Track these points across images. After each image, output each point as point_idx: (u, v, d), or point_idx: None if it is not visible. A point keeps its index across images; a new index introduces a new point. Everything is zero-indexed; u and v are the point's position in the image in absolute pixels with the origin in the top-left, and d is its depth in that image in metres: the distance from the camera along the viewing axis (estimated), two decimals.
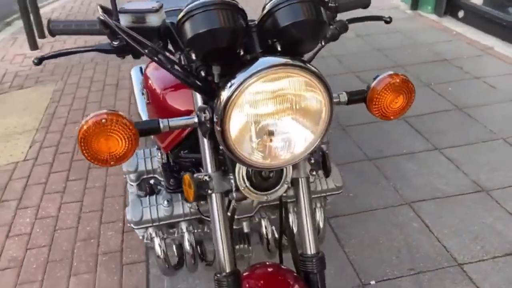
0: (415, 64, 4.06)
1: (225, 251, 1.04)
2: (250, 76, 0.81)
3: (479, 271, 2.00)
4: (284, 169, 1.02)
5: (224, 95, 0.82)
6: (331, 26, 1.06)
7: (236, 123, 0.84)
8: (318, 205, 1.48)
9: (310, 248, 1.09)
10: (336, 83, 3.75)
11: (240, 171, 0.99)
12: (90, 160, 0.87)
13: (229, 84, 0.82)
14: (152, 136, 1.38)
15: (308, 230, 1.08)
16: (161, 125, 0.91)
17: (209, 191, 1.01)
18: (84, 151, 0.86)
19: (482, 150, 2.82)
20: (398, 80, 1.01)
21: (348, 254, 2.13)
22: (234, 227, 1.48)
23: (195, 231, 1.43)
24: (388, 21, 1.19)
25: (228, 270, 1.03)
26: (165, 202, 1.31)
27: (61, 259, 2.18)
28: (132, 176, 1.41)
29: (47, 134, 3.26)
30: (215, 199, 1.03)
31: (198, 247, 1.48)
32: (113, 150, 0.87)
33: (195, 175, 1.02)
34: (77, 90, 3.92)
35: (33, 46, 4.79)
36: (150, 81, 1.34)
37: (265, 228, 1.44)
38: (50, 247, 2.25)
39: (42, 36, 5.00)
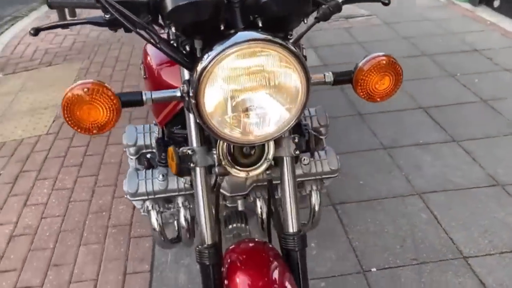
0: (443, 53, 3.95)
1: (207, 224, 1.07)
2: (226, 49, 0.82)
3: (484, 265, 1.96)
4: (266, 147, 1.03)
5: (199, 67, 0.83)
6: (323, 6, 1.05)
7: (211, 97, 0.86)
8: (314, 187, 1.48)
9: (292, 227, 1.10)
10: None
11: (222, 146, 1.01)
12: (73, 127, 0.91)
13: (205, 56, 0.83)
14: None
15: (290, 209, 1.09)
16: (144, 98, 0.94)
17: (192, 165, 1.03)
18: (67, 118, 0.89)
19: (502, 144, 2.74)
20: (384, 61, 1.00)
21: (351, 241, 2.12)
22: (229, 205, 1.51)
23: (191, 206, 1.46)
24: (386, 3, 1.17)
25: (209, 243, 1.06)
26: (161, 176, 1.34)
27: (72, 229, 2.26)
28: (132, 150, 1.45)
29: None
30: (198, 173, 1.05)
31: (194, 222, 1.51)
32: (95, 119, 0.90)
33: (180, 149, 1.04)
34: (102, 69, 4.01)
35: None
36: (148, 57, 1.37)
37: (260, 208, 1.45)
38: (64, 217, 2.34)
39: (73, 15, 5.12)
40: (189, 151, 1.03)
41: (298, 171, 1.39)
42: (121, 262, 2.06)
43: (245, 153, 1.02)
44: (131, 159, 1.46)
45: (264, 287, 1.00)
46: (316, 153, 1.43)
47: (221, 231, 1.48)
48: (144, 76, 1.36)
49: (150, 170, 1.39)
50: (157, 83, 1.29)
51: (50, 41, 4.71)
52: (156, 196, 1.37)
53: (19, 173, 2.71)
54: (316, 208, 1.51)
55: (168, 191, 1.36)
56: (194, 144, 1.05)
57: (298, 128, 1.16)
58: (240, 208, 1.48)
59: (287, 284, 1.02)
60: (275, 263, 1.07)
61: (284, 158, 1.08)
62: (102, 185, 2.56)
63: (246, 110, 0.89)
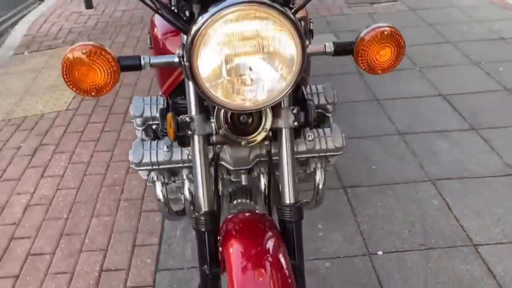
0: (468, 41, 3.85)
1: (204, 192, 1.08)
2: (220, 10, 0.81)
3: (494, 253, 1.92)
4: (263, 116, 1.03)
5: (194, 29, 0.83)
6: None
7: (205, 60, 0.86)
8: (319, 165, 1.47)
9: (289, 198, 1.10)
10: None
11: (219, 114, 1.01)
12: (72, 89, 0.93)
13: (200, 18, 0.83)
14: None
15: (287, 180, 1.09)
16: (142, 62, 0.95)
17: (190, 132, 1.04)
18: (66, 79, 0.91)
19: None
20: (386, 32, 0.98)
21: (359, 224, 2.11)
22: (233, 179, 1.52)
23: None
24: None
25: (205, 210, 1.07)
26: (165, 147, 1.36)
27: (86, 201, 2.32)
28: (138, 121, 1.47)
29: None
30: (196, 141, 1.06)
31: None
32: (93, 81, 0.92)
33: (180, 117, 1.05)
34: (123, 49, 4.06)
35: (88, 5, 4.99)
36: (155, 27, 1.38)
37: (263, 183, 1.46)
38: (78, 190, 2.40)
39: None
40: (187, 119, 1.04)
41: (302, 147, 1.39)
42: (131, 234, 2.10)
43: (242, 122, 1.02)
44: (138, 130, 1.48)
45: (257, 256, 1.01)
46: (321, 130, 1.42)
47: (223, 204, 1.50)
48: (150, 46, 1.37)
49: (156, 141, 1.40)
50: (160, 52, 1.30)
51: (75, 20, 4.79)
52: (161, 166, 1.39)
53: (38, 146, 2.78)
54: (320, 186, 1.50)
55: (172, 162, 1.38)
56: (193, 112, 1.06)
57: (300, 102, 1.15)
58: (243, 183, 1.49)
59: (280, 255, 1.03)
60: (270, 233, 1.07)
61: (283, 129, 1.08)
62: (117, 160, 2.61)
63: (241, 75, 0.89)
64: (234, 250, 1.03)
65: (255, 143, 1.05)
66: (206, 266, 1.08)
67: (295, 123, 1.06)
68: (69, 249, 2.05)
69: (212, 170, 1.13)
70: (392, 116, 2.90)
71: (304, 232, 2.06)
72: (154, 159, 1.37)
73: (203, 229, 1.08)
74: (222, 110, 1.01)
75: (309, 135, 1.38)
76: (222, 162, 1.40)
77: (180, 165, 1.40)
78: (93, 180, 2.47)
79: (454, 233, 2.03)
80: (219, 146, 1.08)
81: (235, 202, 1.59)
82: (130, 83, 3.45)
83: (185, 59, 0.86)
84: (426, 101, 3.05)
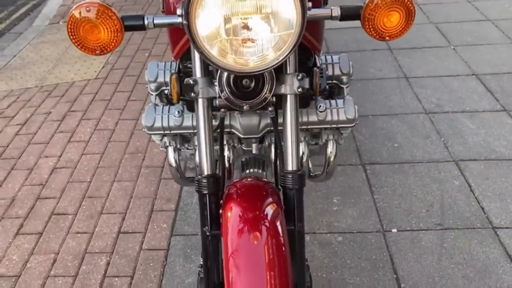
0: (508, 19, 3.66)
1: (207, 155, 1.09)
2: None
3: None
4: (266, 80, 1.02)
5: None
6: None
7: (204, 20, 0.86)
8: (330, 137, 1.46)
9: (291, 165, 1.10)
10: (412, 34, 3.52)
11: (222, 77, 1.01)
12: (78, 46, 0.95)
13: None
14: None
15: (291, 148, 1.09)
16: (146, 22, 0.96)
17: (193, 94, 1.05)
18: (72, 36, 0.93)
19: None
20: None
21: (376, 201, 2.09)
22: (244, 148, 1.53)
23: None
24: None
25: (208, 172, 1.09)
26: (176, 113, 1.37)
27: (109, 166, 2.39)
28: (152, 86, 1.48)
29: (120, 57, 3.49)
30: (200, 104, 1.07)
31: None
32: (98, 39, 0.93)
33: (185, 79, 1.06)
34: None
35: None
36: None
37: (273, 152, 1.46)
38: (102, 155, 2.47)
39: None
40: (191, 81, 1.04)
41: (313, 118, 1.38)
42: (149, 200, 2.16)
43: (245, 86, 1.02)
44: (152, 95, 1.50)
45: (253, 220, 1.02)
46: (334, 101, 1.40)
47: (235, 173, 1.51)
48: (162, 10, 1.38)
49: (168, 106, 1.42)
50: (170, 14, 1.30)
51: None
52: (172, 132, 1.41)
53: (67, 112, 2.87)
54: (331, 159, 1.49)
55: (183, 128, 1.39)
56: (198, 75, 1.06)
57: (312, 71, 1.13)
58: (254, 151, 1.49)
59: (277, 221, 1.04)
60: (270, 199, 1.08)
61: (288, 96, 1.07)
62: (141, 129, 2.65)
63: (240, 35, 0.88)
64: (232, 213, 1.04)
65: (257, 108, 1.05)
66: (206, 227, 1.10)
67: (299, 90, 1.05)
68: (90, 211, 2.13)
69: (217, 136, 1.15)
70: (420, 95, 2.82)
71: (319, 205, 2.09)
72: (165, 124, 1.39)
73: (205, 192, 1.10)
74: (225, 74, 1.01)
75: (321, 106, 1.37)
76: (233, 130, 1.41)
77: (191, 131, 1.42)
78: (117, 146, 2.53)
79: (474, 214, 1.98)
80: (223, 110, 1.08)
81: (247, 171, 1.61)
82: (159, 54, 3.50)
83: (183, 18, 0.86)
84: (457, 80, 2.94)
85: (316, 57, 1.36)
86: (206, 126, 1.09)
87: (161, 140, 1.50)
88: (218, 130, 1.19)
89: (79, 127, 2.72)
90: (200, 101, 1.07)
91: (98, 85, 3.15)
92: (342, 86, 1.49)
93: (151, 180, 2.28)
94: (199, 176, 1.10)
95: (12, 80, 3.39)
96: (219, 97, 1.04)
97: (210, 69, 1.08)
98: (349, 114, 1.39)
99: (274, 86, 1.03)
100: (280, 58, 0.91)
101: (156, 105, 1.45)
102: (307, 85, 1.05)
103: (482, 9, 3.84)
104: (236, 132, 1.41)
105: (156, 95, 1.50)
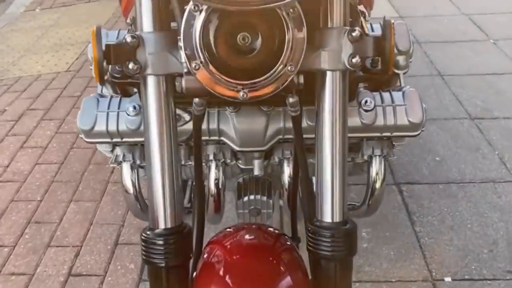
0: None
1: (164, 190, 0.57)
2: None
3: None
4: (285, 34, 0.49)
5: None
6: None
7: None
8: (378, 151, 0.93)
9: (331, 211, 0.56)
10: (442, 26, 3.00)
11: (193, 28, 0.48)
12: None
13: None
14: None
15: (331, 176, 0.56)
16: None
17: (133, 67, 0.52)
18: None
19: None
20: None
21: (418, 235, 1.55)
22: (242, 166, 0.99)
23: (184, 162, 0.96)
24: None
25: (162, 226, 0.55)
26: (131, 108, 0.84)
27: (67, 180, 1.85)
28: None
29: None
30: (152, 87, 0.54)
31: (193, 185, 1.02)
32: None
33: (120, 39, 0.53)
34: None
35: None
36: None
37: (288, 175, 0.92)
38: (61, 166, 1.93)
39: None
40: (129, 38, 0.51)
41: (355, 120, 0.84)
42: (114, 228, 1.63)
43: (240, 47, 0.48)
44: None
45: None
46: (387, 95, 0.87)
47: (224, 201, 0.98)
48: None
49: (119, 97, 0.89)
50: None
51: None
52: (125, 139, 0.88)
53: (25, 111, 2.34)
54: (377, 185, 0.96)
55: (141, 134, 0.85)
56: (145, 27, 0.53)
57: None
58: (256, 172, 0.95)
59: None
60: (288, 276, 0.54)
61: (328, 74, 0.54)
62: None
63: None
64: None
65: (266, 96, 0.51)
66: None
67: (355, 60, 0.52)
68: (34, 241, 1.59)
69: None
70: (461, 96, 2.29)
71: None
72: (113, 127, 0.86)
73: (160, 264, 0.56)
74: (199, 18, 0.48)
75: (367, 101, 0.84)
76: (223, 139, 0.88)
77: None
78: (80, 154, 2.00)
79: None
80: (197, 102, 0.55)
81: (245, 199, 1.08)
82: None
83: None
84: (505, 80, 2.41)
85: (363, 19, 0.82)
86: (165, 132, 0.55)
87: (111, 151, 0.97)
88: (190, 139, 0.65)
89: (37, 129, 2.18)
90: (150, 80, 0.54)
91: (68, 79, 2.61)
92: (398, 71, 0.95)
93: (118, 200, 1.74)
94: (148, 233, 0.56)
95: None
96: (188, 73, 0.51)
97: (164, 19, 0.54)
98: (413, 116, 0.86)
99: (303, 52, 0.49)
100: None
101: (100, 95, 0.92)
102: (371, 53, 0.52)
103: None
104: (229, 142, 0.88)
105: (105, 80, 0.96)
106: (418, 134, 0.88)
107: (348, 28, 0.52)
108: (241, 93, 0.51)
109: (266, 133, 0.85)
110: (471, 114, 2.15)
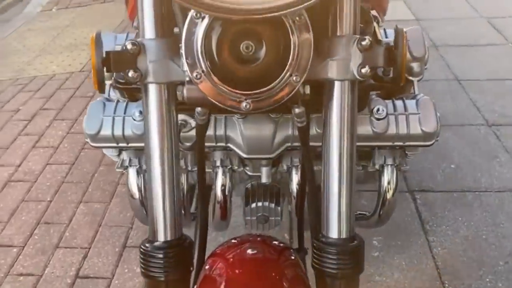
0: None
1: (165, 201, 0.55)
2: None
3: None
4: (291, 44, 0.46)
5: None
6: None
7: None
8: (390, 161, 0.90)
9: (338, 226, 0.54)
10: (460, 29, 2.95)
11: (195, 36, 0.46)
12: None
13: None
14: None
15: (339, 190, 0.53)
16: None
17: (133, 75, 0.50)
18: None
19: None
20: None
21: (431, 245, 1.51)
22: (250, 173, 0.97)
23: (191, 167, 0.94)
24: None
25: (161, 239, 0.54)
26: (137, 113, 0.83)
27: (78, 181, 1.86)
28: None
29: None
30: (153, 94, 0.52)
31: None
32: None
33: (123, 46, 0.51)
34: None
35: None
36: None
37: (296, 183, 0.90)
38: (71, 166, 1.94)
39: None
40: (129, 45, 0.49)
41: (365, 129, 0.82)
42: (122, 231, 1.62)
43: (244, 56, 0.46)
44: (106, 83, 0.96)
45: None
46: (400, 103, 0.84)
47: (231, 208, 0.96)
48: None
49: (125, 102, 0.87)
50: None
51: None
52: (131, 144, 0.86)
53: (38, 110, 2.35)
54: (389, 195, 0.93)
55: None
56: (147, 34, 0.51)
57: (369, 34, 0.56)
58: (264, 180, 0.93)
59: None
60: None
61: (336, 84, 0.52)
62: None
63: None
64: None
65: (271, 108, 0.49)
66: None
67: (364, 71, 0.49)
68: (43, 242, 1.59)
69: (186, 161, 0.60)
70: (479, 102, 2.23)
71: None
72: (118, 132, 0.85)
73: (160, 277, 0.54)
74: (202, 27, 0.46)
75: (379, 109, 0.81)
76: (230, 145, 0.86)
77: None
78: (91, 155, 1.99)
79: None
80: (199, 112, 0.53)
81: (253, 205, 1.07)
82: None
83: None
84: None
85: (376, 24, 0.79)
86: (166, 142, 0.54)
87: (118, 155, 0.96)
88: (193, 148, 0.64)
89: (50, 129, 2.19)
90: (151, 88, 0.52)
91: (82, 79, 2.63)
92: (412, 78, 0.92)
93: (127, 202, 1.70)
94: (147, 245, 0.55)
95: None
96: (190, 82, 0.49)
97: (172, 28, 0.53)
98: (426, 125, 0.82)
99: (309, 61, 0.47)
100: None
101: (107, 100, 0.91)
102: (381, 62, 0.49)
103: None
104: (236, 149, 0.86)
105: (111, 84, 0.95)
106: (432, 144, 0.85)
107: (358, 36, 0.49)
108: (244, 104, 0.48)
109: (274, 140, 0.83)
110: (489, 120, 2.10)
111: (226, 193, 0.93)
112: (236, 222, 1.40)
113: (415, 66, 0.91)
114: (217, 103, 0.49)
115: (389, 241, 1.53)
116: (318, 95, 0.52)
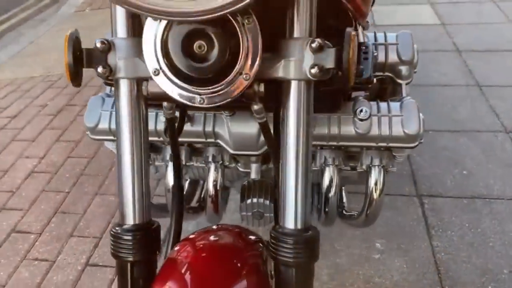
0: None
1: (134, 187, 0.59)
2: None
3: None
4: (242, 43, 0.50)
5: None
6: None
7: None
8: (376, 161, 0.92)
9: (293, 217, 0.57)
10: (486, 34, 2.89)
11: (153, 36, 0.51)
12: None
13: None
14: None
15: (291, 185, 0.56)
16: None
17: (101, 70, 0.55)
18: None
19: None
20: None
21: (435, 250, 1.50)
22: (241, 169, 1.01)
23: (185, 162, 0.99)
24: None
25: (130, 222, 0.58)
26: None
27: (95, 174, 1.94)
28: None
29: None
30: (124, 89, 0.57)
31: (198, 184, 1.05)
32: None
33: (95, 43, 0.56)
34: None
35: None
36: None
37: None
38: (90, 160, 2.02)
39: None
40: (99, 44, 0.54)
41: (348, 129, 0.84)
42: None
43: (196, 53, 0.50)
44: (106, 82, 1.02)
45: None
46: (384, 104, 0.86)
47: (216, 199, 0.99)
48: None
49: None
50: None
51: None
52: None
53: (64, 106, 2.47)
54: (375, 194, 0.95)
55: None
56: (119, 32, 0.56)
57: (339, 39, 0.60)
58: (253, 176, 0.97)
59: None
60: (245, 283, 0.55)
61: (292, 84, 0.55)
62: None
63: None
64: None
65: (224, 103, 0.52)
66: None
67: (314, 71, 0.52)
68: (58, 230, 1.67)
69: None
70: (498, 108, 2.19)
71: (355, 249, 1.53)
72: (114, 125, 0.90)
73: (128, 258, 0.59)
74: (159, 28, 0.50)
75: (362, 110, 0.83)
76: (219, 141, 0.90)
77: (156, 138, 0.92)
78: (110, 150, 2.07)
79: None
80: (166, 106, 0.58)
81: (248, 201, 1.10)
82: None
83: None
84: None
85: (359, 27, 0.82)
86: (136, 133, 0.58)
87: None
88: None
89: (73, 124, 2.30)
90: (121, 84, 0.57)
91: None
92: (400, 81, 0.94)
93: None
94: (116, 228, 0.59)
95: (20, 68, 3.05)
96: (152, 78, 0.53)
97: (141, 28, 0.57)
98: (409, 127, 0.84)
99: (258, 57, 0.50)
100: None
101: (107, 95, 0.96)
102: (331, 64, 0.52)
103: None
104: (224, 145, 0.90)
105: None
106: (416, 146, 0.86)
107: (311, 38, 0.52)
108: (198, 99, 0.52)
109: (260, 137, 0.86)
110: (507, 127, 2.06)
111: (218, 187, 0.97)
112: (239, 219, 1.44)
113: (403, 69, 0.93)
114: (174, 97, 0.53)
115: (391, 244, 1.53)
116: (275, 94, 0.55)
